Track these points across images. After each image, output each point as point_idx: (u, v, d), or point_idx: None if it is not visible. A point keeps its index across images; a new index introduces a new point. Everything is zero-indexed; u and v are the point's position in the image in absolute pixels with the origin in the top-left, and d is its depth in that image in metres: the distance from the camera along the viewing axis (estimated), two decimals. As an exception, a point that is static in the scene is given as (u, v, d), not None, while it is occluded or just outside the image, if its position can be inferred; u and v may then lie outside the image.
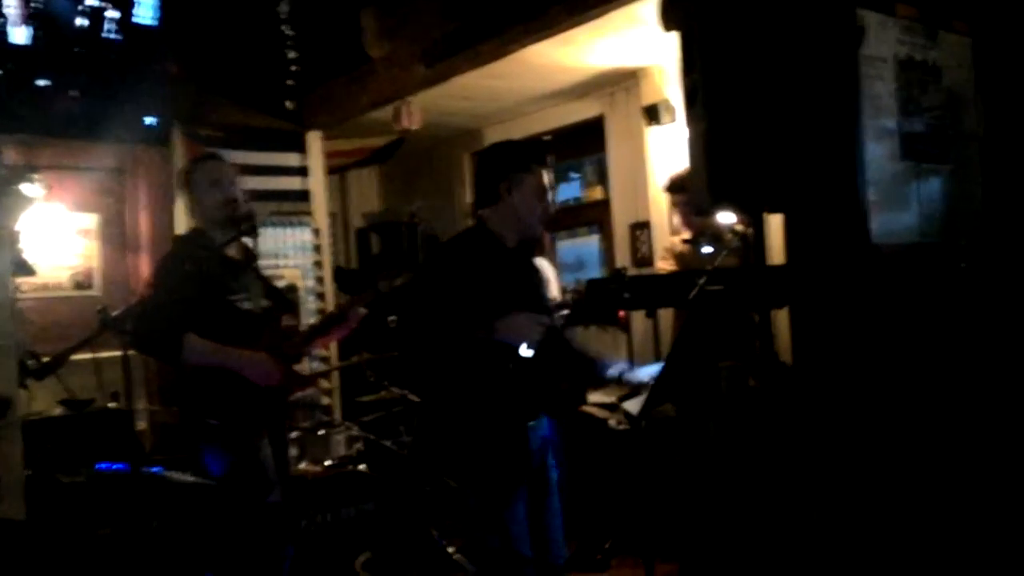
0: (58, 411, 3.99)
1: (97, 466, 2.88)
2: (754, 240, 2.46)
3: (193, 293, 2.82)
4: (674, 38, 2.30)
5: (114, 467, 2.86)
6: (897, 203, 2.38)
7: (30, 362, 2.68)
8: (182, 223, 4.81)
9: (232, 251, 3.05)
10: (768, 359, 2.73)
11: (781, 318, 2.96)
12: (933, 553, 2.17)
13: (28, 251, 4.62)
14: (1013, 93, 2.52)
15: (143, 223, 5.26)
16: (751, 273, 2.51)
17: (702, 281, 2.64)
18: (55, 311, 4.87)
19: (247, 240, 3.10)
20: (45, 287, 4.87)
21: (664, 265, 4.18)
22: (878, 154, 2.33)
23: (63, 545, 2.53)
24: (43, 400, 3.81)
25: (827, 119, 2.14)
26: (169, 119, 5.00)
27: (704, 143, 2.09)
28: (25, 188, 2.84)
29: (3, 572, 2.33)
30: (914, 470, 2.20)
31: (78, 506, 2.76)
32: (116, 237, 5.22)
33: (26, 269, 3.46)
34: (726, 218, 3.58)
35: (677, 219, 4.30)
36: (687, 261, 3.92)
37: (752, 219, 2.39)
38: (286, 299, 3.40)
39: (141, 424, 4.64)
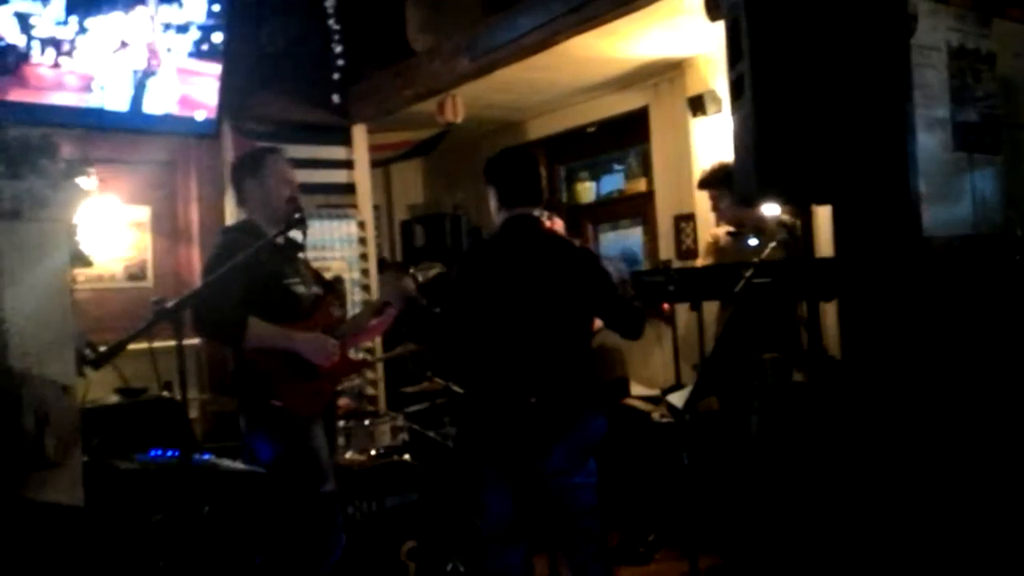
0: (113, 399, 4.09)
1: (150, 453, 2.95)
2: (801, 232, 2.44)
3: (250, 279, 2.88)
4: (720, 28, 2.28)
5: (166, 454, 2.92)
6: (949, 194, 2.34)
7: (87, 351, 2.75)
8: (232, 215, 4.90)
9: (280, 240, 3.11)
10: (815, 353, 2.71)
11: (828, 311, 2.92)
12: (979, 547, 2.14)
13: (84, 243, 4.76)
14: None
15: (193, 215, 5.36)
16: (799, 266, 2.49)
17: (748, 274, 2.62)
18: (110, 302, 4.98)
19: (297, 233, 3.15)
20: (100, 278, 4.98)
21: (704, 261, 4.14)
22: (929, 144, 2.29)
23: (118, 531, 2.60)
24: (99, 388, 3.91)
25: (877, 109, 2.11)
26: (219, 113, 5.08)
27: (752, 133, 2.07)
28: (82, 182, 2.90)
29: (63, 557, 2.40)
30: (966, 466, 2.16)
31: (132, 493, 2.83)
32: (167, 229, 5.32)
33: (83, 260, 3.55)
34: (771, 210, 3.55)
35: (715, 213, 4.25)
36: (728, 254, 3.88)
37: (800, 210, 2.37)
38: (334, 287, 3.45)
39: (193, 413, 4.73)
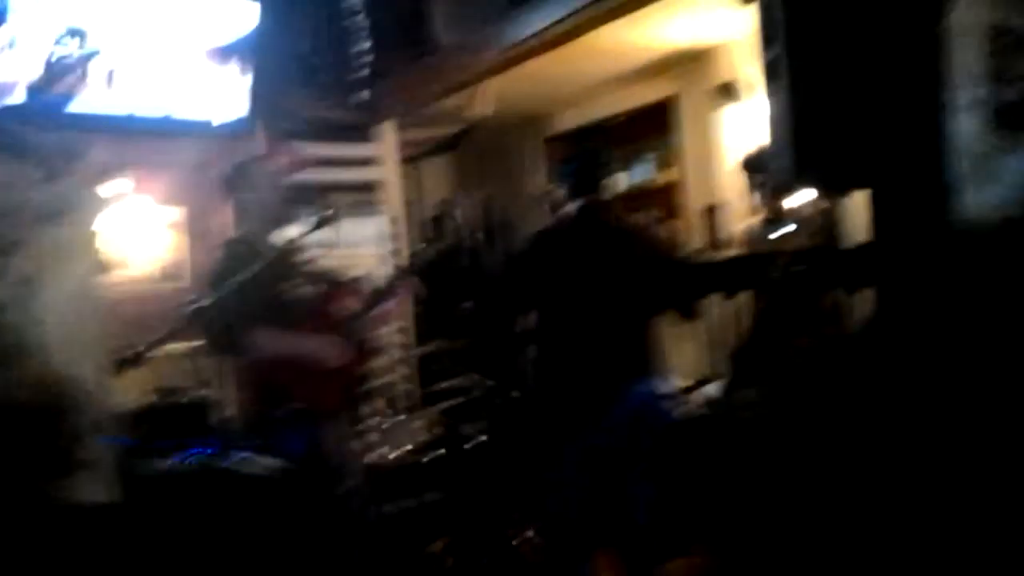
0: (151, 399, 4.13)
1: (186, 452, 2.98)
2: (835, 219, 2.40)
3: (249, 289, 2.90)
4: (750, 13, 2.24)
5: (202, 453, 2.95)
6: (989, 176, 2.28)
7: (122, 353, 2.78)
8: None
9: (277, 242, 3.12)
10: (848, 341, 2.66)
11: (858, 300, 2.88)
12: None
13: (119, 246, 4.81)
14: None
15: (228, 215, 5.40)
16: (835, 253, 2.45)
17: (781, 263, 2.59)
18: (148, 302, 5.04)
19: (324, 230, 3.16)
20: (138, 279, 5.05)
21: (737, 251, 4.10)
22: (968, 126, 2.23)
23: (153, 529, 2.63)
24: (137, 388, 3.95)
25: (914, 90, 2.06)
26: (251, 112, 5.12)
27: (787, 118, 2.04)
28: (115, 184, 2.94)
29: (102, 554, 2.43)
30: (1002, 454, 2.11)
31: (167, 491, 2.86)
32: (203, 230, 5.37)
33: (103, 269, 3.60)
34: (804, 196, 3.50)
35: (751, 199, 4.21)
36: (755, 244, 3.83)
37: (836, 196, 2.33)
38: (341, 282, 3.46)
39: (232, 411, 4.78)
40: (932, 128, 2.14)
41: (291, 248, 3.21)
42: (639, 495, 2.85)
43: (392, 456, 4.04)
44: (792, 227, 3.45)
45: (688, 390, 4.60)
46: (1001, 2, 2.31)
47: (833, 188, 2.31)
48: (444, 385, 4.49)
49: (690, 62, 5.18)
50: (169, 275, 5.21)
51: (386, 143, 5.86)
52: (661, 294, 2.95)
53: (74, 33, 4.21)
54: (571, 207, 3.02)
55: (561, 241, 2.99)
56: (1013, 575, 2.02)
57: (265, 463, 3.04)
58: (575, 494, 2.85)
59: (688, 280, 2.99)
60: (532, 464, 2.99)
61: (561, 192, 3.08)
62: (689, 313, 3.06)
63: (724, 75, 4.88)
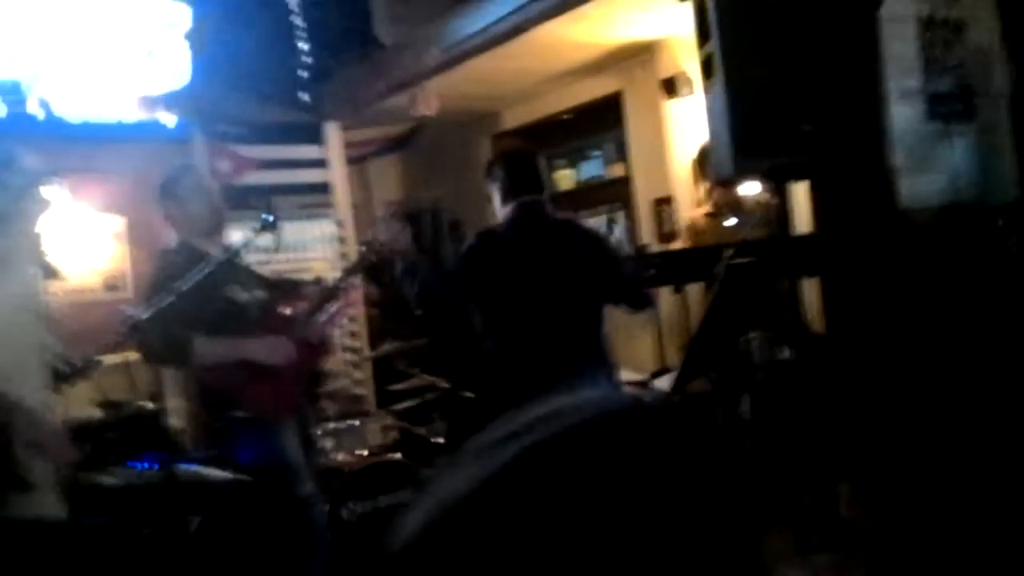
0: (94, 413, 4.03)
1: (131, 464, 2.91)
2: (779, 209, 2.43)
3: (190, 297, 2.84)
4: (689, 8, 2.26)
5: (148, 465, 2.89)
6: (925, 164, 2.33)
7: (63, 367, 2.71)
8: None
9: (215, 249, 3.08)
10: (799, 329, 2.70)
11: (809, 287, 2.92)
12: (962, 521, 2.14)
13: (58, 255, 4.69)
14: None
15: (167, 224, 5.30)
16: (779, 244, 2.48)
17: (729, 254, 2.61)
18: (89, 314, 4.91)
19: (268, 234, 3.12)
20: (78, 290, 4.91)
21: (684, 244, 4.13)
22: (904, 116, 2.27)
23: (104, 545, 2.56)
24: (79, 403, 3.85)
25: (849, 82, 2.09)
26: (189, 117, 5.02)
27: (724, 113, 2.05)
28: (44, 191, 2.85)
29: (41, 571, 2.36)
30: (947, 439, 2.16)
31: (116, 506, 2.80)
32: (144, 239, 5.26)
33: (52, 273, 3.49)
34: (750, 188, 3.54)
35: (701, 191, 4.24)
36: (703, 237, 3.87)
37: (777, 188, 2.35)
38: (284, 285, 3.42)
39: (180, 421, 4.69)
40: (869, 118, 2.17)
41: (234, 254, 3.16)
42: None
43: (348, 459, 4.00)
44: (738, 219, 3.49)
45: (643, 383, 4.63)
46: (931, -7, 2.36)
47: (774, 179, 2.34)
48: (399, 387, 4.46)
49: (635, 58, 5.21)
50: (111, 285, 5.09)
51: (331, 144, 5.80)
52: (605, 288, 2.94)
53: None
54: (508, 207, 2.98)
55: (500, 242, 2.95)
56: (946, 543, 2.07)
57: (216, 473, 2.99)
58: None
59: (633, 272, 2.99)
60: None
61: (496, 192, 3.04)
62: (638, 305, 3.05)
63: (668, 70, 4.91)
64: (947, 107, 2.37)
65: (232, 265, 3.16)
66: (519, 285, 2.82)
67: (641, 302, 3.07)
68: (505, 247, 2.92)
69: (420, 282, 2.96)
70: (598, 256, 2.95)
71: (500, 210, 3.01)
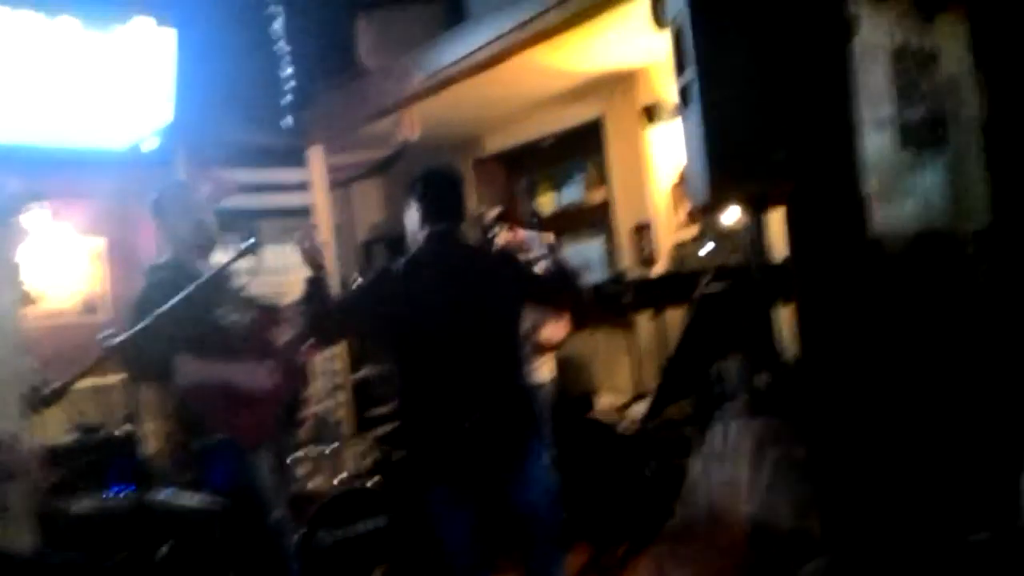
0: (70, 438, 3.99)
1: (106, 491, 2.88)
2: (756, 236, 2.45)
3: (176, 317, 2.82)
4: (667, 37, 2.29)
5: (123, 491, 2.86)
6: (898, 192, 2.36)
7: (38, 391, 2.68)
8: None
9: (205, 268, 3.07)
10: (775, 355, 2.72)
11: (787, 312, 2.94)
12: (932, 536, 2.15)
13: (37, 278, 4.66)
14: (1012, 76, 2.50)
15: (151, 245, 5.27)
16: (754, 270, 2.50)
17: (705, 280, 2.63)
18: (66, 336, 4.87)
19: (251, 259, 3.11)
20: (55, 313, 4.88)
21: (664, 269, 4.15)
22: (877, 144, 2.31)
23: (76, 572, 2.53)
24: (55, 427, 3.82)
25: (823, 111, 2.13)
26: (173, 140, 5.02)
27: (701, 141, 2.08)
28: (25, 219, 2.84)
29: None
30: (919, 460, 2.17)
31: (89, 534, 2.76)
32: (124, 260, 5.22)
33: (28, 300, 3.48)
34: (728, 215, 3.58)
35: (680, 217, 4.28)
36: (685, 262, 3.90)
37: (754, 215, 2.38)
38: (269, 308, 3.39)
39: (157, 445, 4.64)
40: (842, 146, 2.21)
41: (218, 275, 3.14)
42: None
43: (328, 484, 3.97)
44: (714, 245, 3.51)
45: (623, 407, 4.64)
46: (903, 24, 2.41)
47: (750, 206, 2.36)
48: (379, 411, 4.44)
49: (615, 85, 5.26)
50: (90, 307, 5.05)
51: (314, 168, 5.81)
52: (523, 297, 2.87)
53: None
54: (423, 232, 2.86)
55: (411, 271, 2.80)
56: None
57: (192, 498, 2.96)
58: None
59: (555, 274, 2.91)
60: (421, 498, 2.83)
61: (414, 210, 2.90)
62: (563, 304, 2.99)
63: (649, 97, 4.97)
64: (919, 135, 2.41)
65: (220, 286, 3.15)
66: (429, 314, 2.72)
67: (564, 301, 3.01)
68: (416, 276, 2.79)
69: (314, 307, 2.88)
70: (509, 274, 2.86)
71: (416, 231, 2.90)
